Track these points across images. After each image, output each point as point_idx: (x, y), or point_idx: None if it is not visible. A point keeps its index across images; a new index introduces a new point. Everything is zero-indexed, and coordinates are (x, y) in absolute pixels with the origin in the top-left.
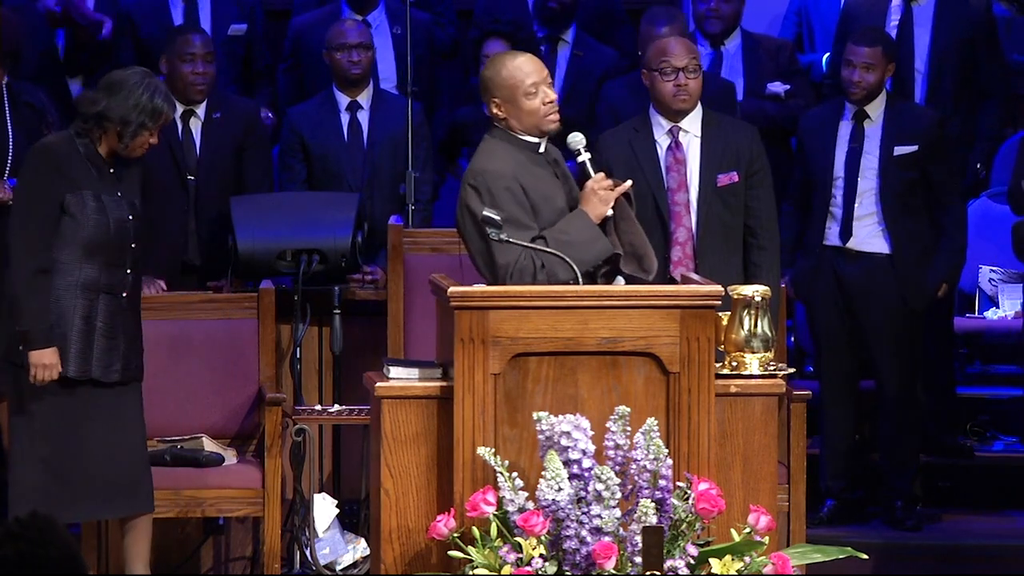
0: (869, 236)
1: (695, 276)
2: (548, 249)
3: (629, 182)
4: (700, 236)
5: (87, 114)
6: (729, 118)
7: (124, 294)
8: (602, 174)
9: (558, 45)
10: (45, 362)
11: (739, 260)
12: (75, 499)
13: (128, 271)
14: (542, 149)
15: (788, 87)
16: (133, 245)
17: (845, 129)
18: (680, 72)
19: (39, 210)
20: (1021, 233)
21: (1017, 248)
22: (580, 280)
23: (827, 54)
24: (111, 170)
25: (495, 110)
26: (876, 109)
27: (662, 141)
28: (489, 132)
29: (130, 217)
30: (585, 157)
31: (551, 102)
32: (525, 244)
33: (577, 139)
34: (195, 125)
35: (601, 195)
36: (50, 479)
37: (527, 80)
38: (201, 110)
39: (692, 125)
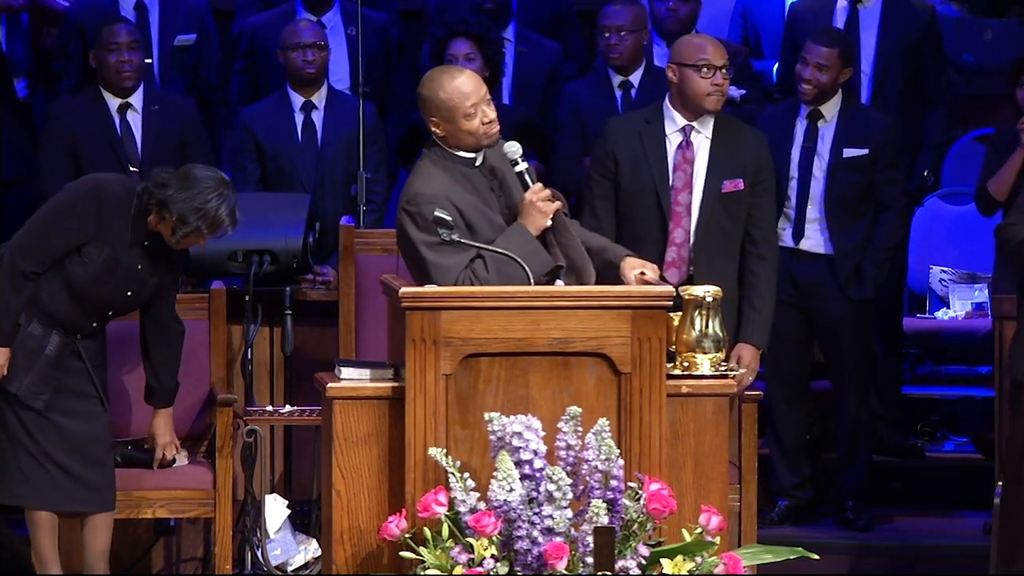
0: (819, 237)
1: (651, 277)
2: (498, 250)
3: (560, 203)
4: (697, 240)
5: (153, 193)
6: (742, 124)
7: (78, 336)
8: (539, 184)
9: (503, 44)
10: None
11: (734, 267)
12: (49, 488)
13: (95, 325)
14: (478, 163)
15: (744, 92)
16: (111, 313)
17: (800, 128)
18: (718, 71)
19: (60, 234)
20: (1002, 235)
21: (1001, 249)
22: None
23: (777, 63)
24: (145, 243)
25: (434, 128)
26: (831, 110)
27: (673, 138)
28: (426, 147)
29: (129, 294)
30: (522, 167)
31: (490, 121)
32: (477, 244)
33: (513, 149)
34: (133, 118)
35: (540, 206)
36: (36, 467)
37: (466, 102)
38: (138, 103)
39: (705, 127)
